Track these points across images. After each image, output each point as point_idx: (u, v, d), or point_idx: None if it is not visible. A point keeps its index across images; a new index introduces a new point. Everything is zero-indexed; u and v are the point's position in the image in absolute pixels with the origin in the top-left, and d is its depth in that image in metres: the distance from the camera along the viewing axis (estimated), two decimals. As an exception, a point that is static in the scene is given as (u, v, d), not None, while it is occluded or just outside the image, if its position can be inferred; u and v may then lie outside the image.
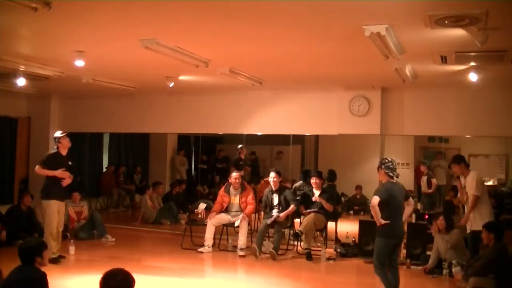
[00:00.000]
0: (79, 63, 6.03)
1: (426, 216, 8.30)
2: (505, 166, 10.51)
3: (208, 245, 7.91)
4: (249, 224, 8.06)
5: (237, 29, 4.75)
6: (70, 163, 7.00)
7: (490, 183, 9.83)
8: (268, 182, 8.19)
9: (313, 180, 8.10)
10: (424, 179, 10.11)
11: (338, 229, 8.54)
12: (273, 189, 8.01)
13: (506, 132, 7.67)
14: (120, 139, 12.91)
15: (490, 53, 5.30)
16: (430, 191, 9.95)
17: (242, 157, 10.41)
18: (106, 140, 12.78)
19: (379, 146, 8.37)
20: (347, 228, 8.71)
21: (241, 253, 7.68)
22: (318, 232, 8.18)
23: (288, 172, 10.23)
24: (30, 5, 3.94)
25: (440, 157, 10.58)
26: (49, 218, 6.78)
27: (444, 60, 5.73)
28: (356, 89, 8.15)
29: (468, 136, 9.16)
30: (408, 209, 5.63)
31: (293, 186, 8.89)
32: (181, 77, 7.60)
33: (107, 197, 12.24)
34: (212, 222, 7.93)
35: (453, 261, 6.45)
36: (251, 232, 8.23)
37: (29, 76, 7.36)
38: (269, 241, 7.99)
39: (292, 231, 8.02)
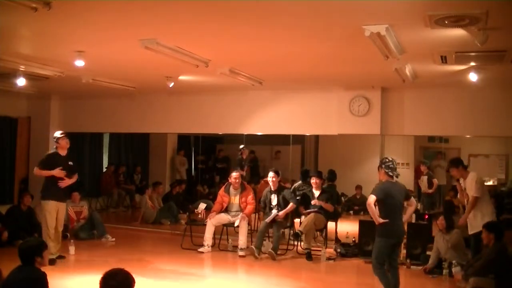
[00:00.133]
0: (79, 63, 6.03)
1: (426, 216, 8.30)
2: (505, 166, 10.50)
3: (207, 245, 7.91)
4: (249, 224, 8.06)
5: (237, 29, 4.75)
6: (70, 163, 6.98)
7: (490, 183, 9.83)
8: (268, 182, 8.19)
9: (313, 180, 8.10)
10: (424, 179, 10.10)
11: (338, 229, 8.54)
12: (272, 189, 8.01)
13: (506, 132, 7.67)
14: (120, 139, 12.91)
15: (490, 53, 5.30)
16: (430, 191, 9.95)
17: (244, 157, 10.41)
18: (106, 140, 12.78)
19: (379, 146, 8.37)
20: (347, 228, 8.71)
21: (241, 253, 7.68)
22: (318, 232, 8.18)
23: (288, 172, 10.24)
24: (30, 5, 3.94)
25: (440, 157, 10.58)
26: (47, 219, 6.78)
27: (444, 60, 5.73)
28: (356, 89, 8.15)
29: (468, 136, 9.16)
30: (410, 209, 5.63)
31: (293, 186, 8.89)
32: (181, 77, 7.60)
33: (107, 197, 12.24)
34: (212, 222, 7.93)
35: (453, 261, 6.45)
36: (251, 232, 8.23)
37: (29, 76, 7.36)
38: (269, 241, 8.00)
39: (292, 231, 8.02)
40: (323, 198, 7.96)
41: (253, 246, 7.58)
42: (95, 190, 12.02)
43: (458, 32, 4.50)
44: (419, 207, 9.52)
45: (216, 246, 8.14)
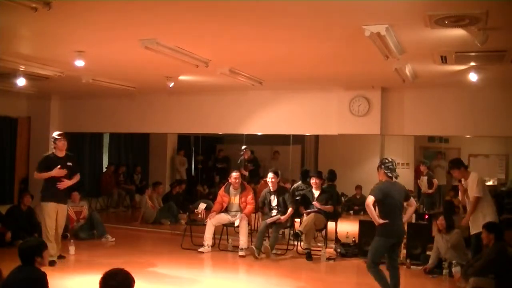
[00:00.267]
0: (79, 63, 6.03)
1: (426, 216, 8.30)
2: (505, 166, 10.50)
3: (207, 245, 7.91)
4: (249, 224, 8.06)
5: (237, 29, 4.75)
6: (69, 164, 6.93)
7: (490, 183, 9.82)
8: (267, 182, 8.19)
9: (312, 180, 8.10)
10: (423, 179, 10.10)
11: (338, 229, 8.54)
12: (271, 189, 8.01)
13: (506, 132, 7.67)
14: (120, 139, 12.91)
15: (490, 53, 5.30)
16: (430, 191, 9.94)
17: (246, 157, 10.41)
18: (106, 140, 12.78)
19: (379, 146, 8.37)
20: (347, 228, 8.71)
21: (241, 253, 7.68)
22: (318, 232, 8.18)
23: (287, 172, 10.24)
24: (30, 5, 3.94)
25: (440, 157, 10.58)
26: (46, 221, 6.77)
27: (444, 60, 5.73)
28: (356, 89, 8.15)
29: (468, 136, 9.16)
30: (410, 210, 5.63)
31: (292, 187, 8.90)
32: (181, 77, 7.60)
33: (107, 197, 12.25)
34: (212, 222, 7.94)
35: (453, 261, 6.45)
36: (251, 232, 8.23)
37: (29, 76, 7.35)
38: (268, 241, 7.99)
39: (292, 231, 8.02)
40: (322, 199, 7.96)
41: (253, 246, 7.58)
42: (95, 190, 12.02)
43: (458, 32, 4.50)
44: (419, 207, 9.53)
45: (216, 246, 8.14)
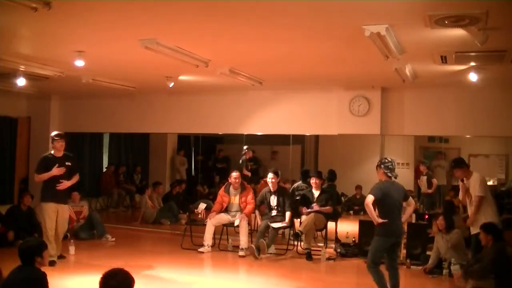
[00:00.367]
0: (79, 63, 6.03)
1: (426, 216, 8.30)
2: (505, 166, 10.51)
3: (207, 245, 7.91)
4: (249, 224, 8.06)
5: (237, 29, 4.75)
6: (68, 163, 6.90)
7: (490, 183, 9.82)
8: (267, 182, 8.19)
9: (312, 181, 8.10)
10: (423, 179, 10.09)
11: (338, 229, 8.54)
12: (271, 189, 8.02)
13: (506, 132, 7.67)
14: (120, 139, 12.91)
15: (490, 53, 5.30)
16: (430, 191, 9.94)
17: (247, 158, 10.41)
18: (106, 140, 12.79)
19: (379, 146, 8.37)
20: (347, 228, 8.71)
21: (241, 253, 7.68)
22: (318, 232, 8.18)
23: (287, 172, 10.24)
24: (30, 5, 3.94)
25: (441, 157, 10.57)
26: (46, 221, 6.76)
27: (444, 60, 5.73)
28: (356, 89, 8.15)
29: (468, 136, 9.17)
30: (409, 209, 5.63)
31: (292, 186, 8.90)
32: (181, 77, 7.60)
33: (107, 197, 12.25)
34: (212, 222, 7.94)
35: (452, 259, 6.45)
36: (251, 232, 8.23)
37: (29, 76, 7.35)
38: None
39: (292, 231, 8.02)
40: (322, 199, 7.96)
41: (253, 246, 7.58)
42: (95, 190, 12.03)
43: (458, 32, 4.50)
44: (419, 207, 9.53)
45: (216, 246, 8.14)
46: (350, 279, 6.99)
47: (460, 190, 6.58)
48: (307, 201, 8.04)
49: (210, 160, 13.21)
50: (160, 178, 11.78)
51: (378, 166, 5.40)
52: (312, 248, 7.69)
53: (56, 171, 6.75)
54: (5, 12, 4.24)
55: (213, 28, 4.70)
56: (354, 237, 8.10)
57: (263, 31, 4.75)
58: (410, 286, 6.46)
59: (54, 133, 7.11)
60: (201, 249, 7.87)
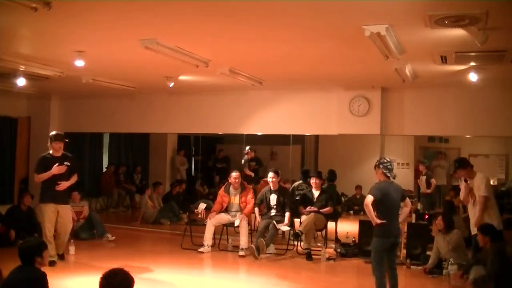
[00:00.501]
0: (79, 63, 6.03)
1: (426, 216, 8.30)
2: (505, 166, 10.51)
3: (207, 245, 7.91)
4: (249, 224, 8.06)
5: (237, 29, 4.75)
6: (67, 163, 6.85)
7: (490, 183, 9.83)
8: (267, 182, 8.19)
9: (312, 181, 8.10)
10: (422, 179, 10.09)
11: (338, 229, 8.54)
12: (272, 189, 8.02)
13: (506, 132, 7.67)
14: (120, 139, 12.91)
15: (490, 53, 5.30)
16: (429, 191, 9.93)
17: (249, 157, 10.41)
18: (106, 140, 12.79)
19: (379, 146, 8.37)
20: (347, 228, 8.71)
21: (241, 253, 7.68)
22: (318, 232, 8.18)
23: (288, 172, 10.24)
24: (30, 5, 3.94)
25: (441, 157, 10.57)
26: (45, 222, 6.75)
27: (444, 60, 5.73)
28: (356, 89, 8.15)
29: (468, 136, 9.17)
30: (405, 210, 5.61)
31: (292, 186, 8.90)
32: (181, 77, 7.60)
33: (107, 197, 12.25)
34: (212, 222, 7.94)
35: (450, 260, 6.46)
36: (251, 232, 8.23)
37: (29, 76, 7.35)
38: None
39: (292, 231, 8.02)
40: (322, 199, 7.97)
41: (253, 246, 7.58)
42: (95, 190, 12.02)
43: (458, 32, 4.50)
44: (419, 207, 9.53)
45: (216, 246, 8.14)
46: (350, 279, 6.99)
47: (462, 190, 6.55)
48: (307, 201, 8.04)
49: (210, 160, 13.21)
50: (160, 178, 11.78)
51: (377, 166, 5.38)
52: (312, 248, 7.69)
53: (56, 169, 6.72)
54: (5, 12, 4.23)
55: (213, 28, 4.70)
56: (354, 237, 8.10)
57: (263, 31, 4.75)
58: (410, 286, 6.46)
59: (53, 133, 7.04)
60: (201, 249, 7.87)
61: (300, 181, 8.82)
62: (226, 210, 8.15)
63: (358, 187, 10.68)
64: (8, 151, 10.49)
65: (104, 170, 12.65)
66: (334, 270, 7.30)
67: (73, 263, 7.07)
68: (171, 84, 7.72)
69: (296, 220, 8.15)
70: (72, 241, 7.64)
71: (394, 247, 5.44)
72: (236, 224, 7.91)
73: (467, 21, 4.09)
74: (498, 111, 7.55)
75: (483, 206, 6.22)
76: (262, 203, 8.11)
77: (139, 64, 6.67)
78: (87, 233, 8.63)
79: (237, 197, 8.11)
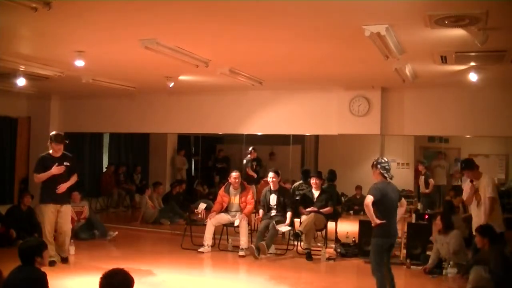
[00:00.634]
0: (79, 63, 6.03)
1: (426, 216, 8.30)
2: (505, 166, 10.51)
3: (207, 245, 7.91)
4: (249, 224, 8.06)
5: (237, 29, 4.75)
6: (66, 163, 6.82)
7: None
8: (268, 182, 8.19)
9: (312, 181, 8.10)
10: (422, 179, 10.09)
11: (338, 229, 8.54)
12: (272, 189, 8.02)
13: (506, 132, 7.67)
14: (120, 139, 12.91)
15: (490, 53, 5.30)
16: (427, 191, 9.93)
17: (252, 158, 10.41)
18: (106, 140, 12.79)
19: (379, 146, 8.38)
20: (347, 228, 8.71)
21: (241, 253, 7.68)
22: (318, 232, 8.18)
23: (288, 172, 10.24)
24: (30, 5, 3.94)
25: (441, 157, 10.56)
26: (45, 223, 6.74)
27: (444, 60, 5.73)
28: (356, 89, 8.15)
29: (468, 136, 9.16)
30: (401, 210, 5.60)
31: (292, 186, 8.90)
32: (181, 77, 7.60)
33: (107, 197, 12.24)
34: (212, 222, 7.94)
35: (451, 262, 6.46)
36: (251, 232, 8.23)
37: (29, 76, 7.35)
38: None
39: (292, 231, 8.02)
40: (322, 199, 7.97)
41: (253, 246, 7.58)
42: (95, 190, 12.02)
43: (458, 32, 4.50)
44: (419, 207, 9.53)
45: (216, 246, 8.14)
46: (350, 279, 6.99)
47: (467, 190, 6.51)
48: (307, 201, 8.04)
49: (210, 160, 13.21)
50: (160, 178, 11.78)
51: (374, 166, 5.34)
52: (312, 248, 7.69)
53: (55, 169, 6.70)
54: (5, 12, 4.24)
55: (213, 28, 4.70)
56: (354, 237, 8.10)
57: (263, 31, 4.75)
58: (410, 286, 6.46)
59: (53, 133, 7.00)
60: (201, 249, 7.87)
61: (301, 181, 8.82)
62: (226, 210, 8.15)
63: (358, 187, 10.69)
64: (8, 151, 10.49)
65: (104, 170, 12.65)
66: (334, 270, 7.30)
67: (73, 263, 7.06)
68: (171, 84, 7.72)
69: (296, 220, 8.16)
70: (72, 241, 7.62)
71: (391, 247, 5.44)
72: (236, 224, 7.91)
73: (467, 21, 4.09)
74: (498, 111, 7.55)
75: (491, 208, 6.21)
76: (265, 206, 8.08)
77: (139, 64, 6.67)
78: (87, 233, 8.62)
79: (237, 197, 8.11)
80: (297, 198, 8.33)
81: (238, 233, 7.91)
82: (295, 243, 7.99)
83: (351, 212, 10.73)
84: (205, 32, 4.88)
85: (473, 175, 6.40)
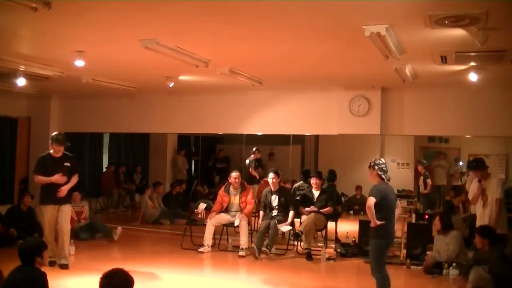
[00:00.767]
0: (79, 63, 6.03)
1: (426, 216, 8.29)
2: (505, 166, 10.50)
3: (207, 245, 7.91)
4: (249, 224, 8.06)
5: (237, 29, 4.75)
6: (67, 164, 6.78)
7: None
8: (268, 182, 8.19)
9: (312, 181, 8.11)
10: (421, 179, 10.08)
11: (338, 229, 8.54)
12: (272, 189, 8.02)
13: (506, 132, 7.67)
14: (120, 139, 12.90)
15: (490, 53, 5.30)
16: (425, 191, 9.91)
17: (255, 158, 10.41)
18: (106, 140, 12.78)
19: (379, 146, 8.37)
20: (347, 228, 8.71)
21: (241, 253, 7.68)
22: (318, 232, 8.18)
23: (288, 172, 10.23)
24: (30, 5, 3.94)
25: (441, 157, 10.55)
26: (45, 223, 6.72)
27: (444, 60, 5.73)
28: (356, 89, 8.15)
29: (468, 136, 9.16)
30: (397, 211, 5.59)
31: (293, 187, 8.89)
32: (181, 77, 7.60)
33: (107, 197, 12.24)
34: (212, 222, 7.94)
35: (453, 264, 6.46)
36: (251, 232, 8.24)
37: (29, 76, 7.34)
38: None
39: (292, 231, 8.02)
40: (322, 199, 7.97)
41: (253, 246, 7.58)
42: (95, 190, 12.01)
43: (458, 32, 4.50)
44: (419, 207, 9.53)
45: (216, 246, 8.14)
46: (350, 279, 6.99)
47: (473, 190, 6.49)
48: (307, 201, 8.04)
49: (210, 160, 13.20)
50: (160, 178, 11.78)
51: (371, 167, 5.30)
52: (312, 248, 7.69)
53: (55, 178, 6.61)
54: (5, 12, 4.24)
55: (213, 28, 4.70)
56: (354, 237, 8.10)
57: (263, 31, 4.75)
58: (410, 286, 6.46)
59: (55, 134, 6.90)
60: (201, 249, 7.87)
61: (301, 182, 8.82)
62: (226, 210, 8.15)
63: (358, 187, 10.67)
64: (8, 151, 10.49)
65: (104, 170, 12.64)
66: (334, 270, 7.30)
67: (73, 263, 7.05)
68: (171, 84, 7.72)
69: (296, 220, 8.15)
70: (72, 241, 7.62)
71: (388, 248, 5.46)
72: (236, 224, 7.91)
73: (467, 21, 4.09)
74: (498, 111, 7.55)
75: (499, 209, 6.22)
76: (267, 207, 8.08)
77: (139, 64, 6.67)
78: (87, 233, 8.62)
79: (237, 197, 8.10)
80: (297, 198, 8.32)
81: (238, 233, 7.91)
82: (295, 243, 7.99)
83: (351, 212, 10.72)
84: (205, 32, 4.88)
85: (482, 175, 6.39)
